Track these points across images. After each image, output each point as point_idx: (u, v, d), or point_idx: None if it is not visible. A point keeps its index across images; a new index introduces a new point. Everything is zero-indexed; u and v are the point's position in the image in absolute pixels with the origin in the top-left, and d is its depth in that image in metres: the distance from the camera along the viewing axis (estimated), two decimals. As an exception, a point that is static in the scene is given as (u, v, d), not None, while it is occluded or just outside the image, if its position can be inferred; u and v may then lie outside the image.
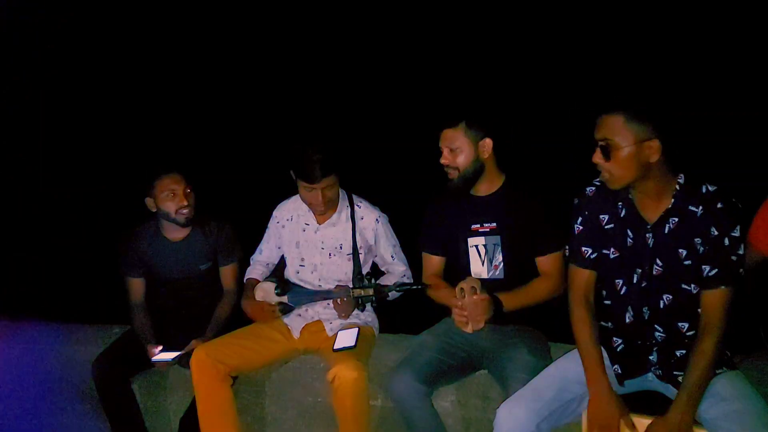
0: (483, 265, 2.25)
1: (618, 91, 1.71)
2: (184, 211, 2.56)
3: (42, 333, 3.00)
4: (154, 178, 2.55)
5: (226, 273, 2.72)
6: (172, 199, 2.54)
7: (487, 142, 2.19)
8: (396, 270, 2.55)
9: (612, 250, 1.81)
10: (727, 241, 1.64)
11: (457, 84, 6.20)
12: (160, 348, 2.53)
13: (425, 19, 6.66)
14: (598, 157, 1.70)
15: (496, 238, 2.23)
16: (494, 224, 2.23)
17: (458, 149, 2.17)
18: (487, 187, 2.26)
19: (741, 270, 1.66)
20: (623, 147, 1.64)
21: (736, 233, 1.64)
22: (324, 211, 2.45)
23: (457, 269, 2.33)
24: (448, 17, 6.63)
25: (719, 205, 1.64)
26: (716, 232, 1.64)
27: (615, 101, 1.67)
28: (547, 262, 2.21)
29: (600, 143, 1.69)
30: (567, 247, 1.93)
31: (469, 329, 2.05)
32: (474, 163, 2.19)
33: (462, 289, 2.07)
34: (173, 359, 2.45)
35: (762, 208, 2.04)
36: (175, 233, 2.66)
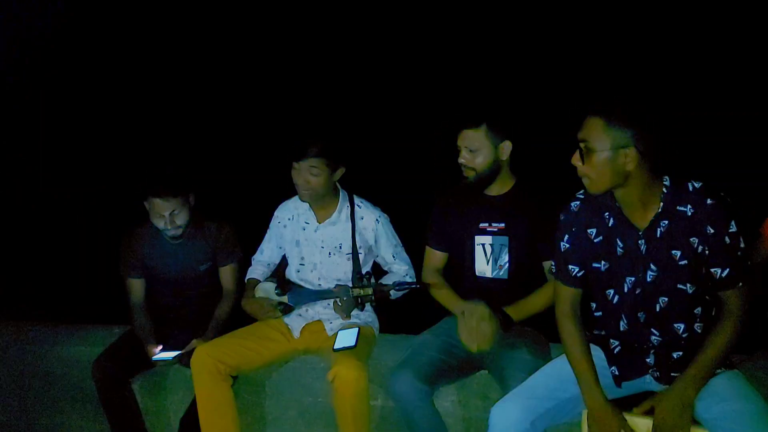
0: (488, 264, 2.26)
1: (603, 93, 1.69)
2: (170, 232, 2.56)
3: (42, 333, 3.01)
4: (144, 198, 2.54)
5: (226, 273, 2.72)
6: (160, 219, 2.54)
7: (507, 145, 2.18)
8: (398, 270, 2.55)
9: (602, 262, 1.79)
10: (728, 239, 1.63)
11: (471, 86, 6.18)
12: (160, 347, 2.53)
13: (426, 19, 6.66)
14: (575, 159, 1.68)
15: (504, 239, 2.22)
16: (503, 225, 2.23)
17: (478, 150, 2.16)
18: (498, 187, 2.26)
19: (749, 262, 1.66)
20: (599, 151, 1.62)
21: (733, 228, 1.63)
22: (306, 196, 2.41)
23: (461, 267, 2.33)
24: (452, 17, 6.63)
25: (709, 202, 1.63)
26: (712, 230, 1.63)
27: (597, 104, 1.64)
28: None
29: (580, 144, 1.66)
30: (553, 263, 1.91)
31: (474, 348, 2.06)
32: (492, 164, 2.18)
33: (471, 313, 2.07)
34: (173, 358, 2.46)
35: None
36: None
